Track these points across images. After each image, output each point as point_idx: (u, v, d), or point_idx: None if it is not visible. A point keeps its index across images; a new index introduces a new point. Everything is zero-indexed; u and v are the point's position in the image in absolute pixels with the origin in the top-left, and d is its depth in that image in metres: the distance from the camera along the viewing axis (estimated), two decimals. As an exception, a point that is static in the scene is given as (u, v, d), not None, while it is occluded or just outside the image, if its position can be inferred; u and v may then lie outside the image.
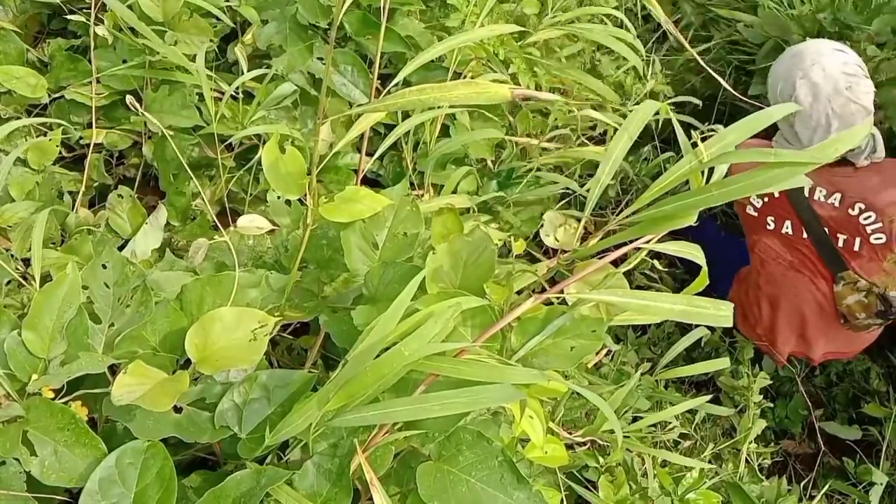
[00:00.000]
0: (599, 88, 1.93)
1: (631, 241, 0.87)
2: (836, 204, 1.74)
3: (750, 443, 1.86)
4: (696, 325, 1.87)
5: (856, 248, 1.77)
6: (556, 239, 1.59)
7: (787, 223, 1.83)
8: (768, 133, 1.78)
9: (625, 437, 1.42)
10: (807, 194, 1.76)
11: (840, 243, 1.78)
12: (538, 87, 1.87)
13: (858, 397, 2.32)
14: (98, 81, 1.56)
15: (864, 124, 1.62)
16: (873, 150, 1.72)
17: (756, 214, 1.87)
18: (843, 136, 0.77)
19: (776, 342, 2.02)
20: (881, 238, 1.73)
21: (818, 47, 1.74)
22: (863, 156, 1.70)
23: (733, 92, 1.79)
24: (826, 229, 1.78)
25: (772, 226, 1.86)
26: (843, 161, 1.72)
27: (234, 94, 1.55)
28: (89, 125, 1.57)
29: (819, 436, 2.25)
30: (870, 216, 1.71)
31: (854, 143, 0.79)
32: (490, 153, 1.82)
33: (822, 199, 1.76)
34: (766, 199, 1.83)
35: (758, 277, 1.98)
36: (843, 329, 1.94)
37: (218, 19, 1.62)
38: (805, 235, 1.82)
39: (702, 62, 1.87)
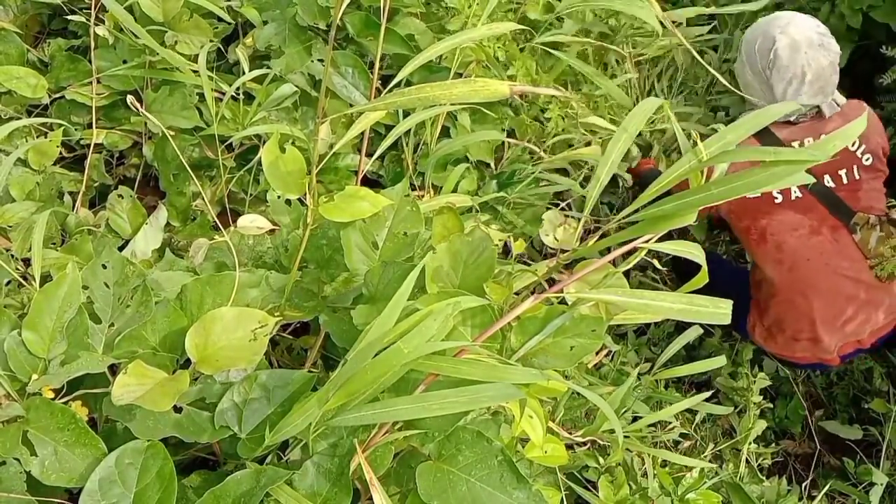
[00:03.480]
0: (608, 87, 1.92)
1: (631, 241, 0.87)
2: None
3: (750, 443, 1.86)
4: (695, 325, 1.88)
5: (855, 176, 1.91)
6: (555, 238, 1.58)
7: (793, 188, 1.89)
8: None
9: (625, 437, 1.42)
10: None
11: (844, 181, 1.91)
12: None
13: (859, 397, 2.32)
14: (98, 81, 1.56)
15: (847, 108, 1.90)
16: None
17: (760, 194, 1.84)
18: (845, 132, 0.77)
19: (822, 338, 1.95)
20: (869, 158, 1.93)
21: (790, 13, 1.95)
22: (829, 106, 1.91)
23: (718, 76, 1.81)
24: (826, 177, 1.90)
25: (779, 198, 1.91)
26: (815, 114, 1.92)
27: (234, 94, 1.55)
28: (89, 125, 1.57)
29: (819, 435, 2.25)
30: (856, 143, 1.93)
31: (849, 139, 0.79)
32: (490, 155, 1.82)
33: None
34: None
35: (781, 273, 1.94)
36: (882, 289, 1.92)
37: (219, 19, 1.62)
38: (809, 191, 1.89)
39: (690, 48, 1.89)
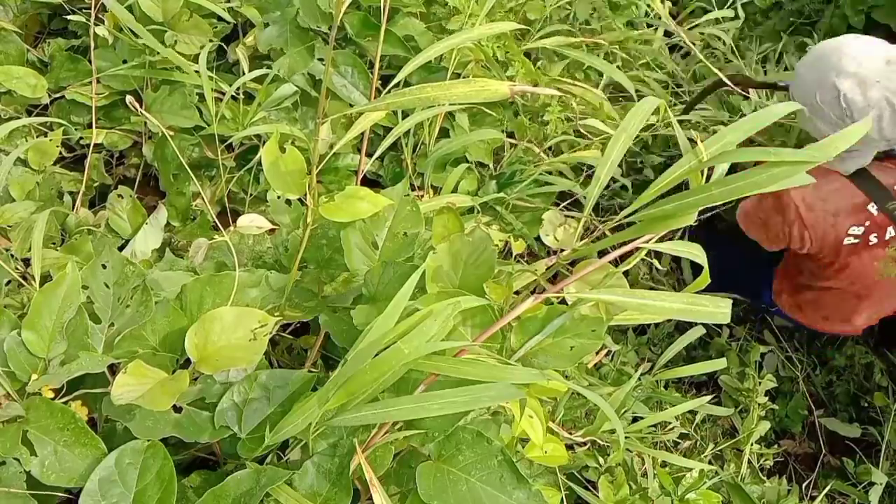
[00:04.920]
0: (606, 68, 1.91)
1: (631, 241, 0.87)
2: None
3: (752, 444, 1.86)
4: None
5: None
6: (555, 238, 1.59)
7: (889, 230, 1.76)
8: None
9: (625, 437, 1.42)
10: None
11: None
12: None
13: (859, 395, 2.32)
14: (98, 81, 1.56)
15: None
16: None
17: (858, 241, 1.77)
18: (850, 131, 0.75)
19: (855, 323, 1.94)
20: None
21: (833, 44, 1.63)
22: None
23: (731, 85, 1.76)
24: None
25: (874, 241, 1.78)
26: (890, 154, 1.69)
27: (234, 94, 1.55)
28: (89, 125, 1.57)
29: (819, 433, 2.25)
30: None
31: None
32: (488, 157, 1.82)
33: None
34: (866, 224, 1.75)
35: (840, 282, 1.88)
36: None
37: (219, 18, 1.62)
38: None
39: (698, 54, 1.87)
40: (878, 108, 1.56)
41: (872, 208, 1.71)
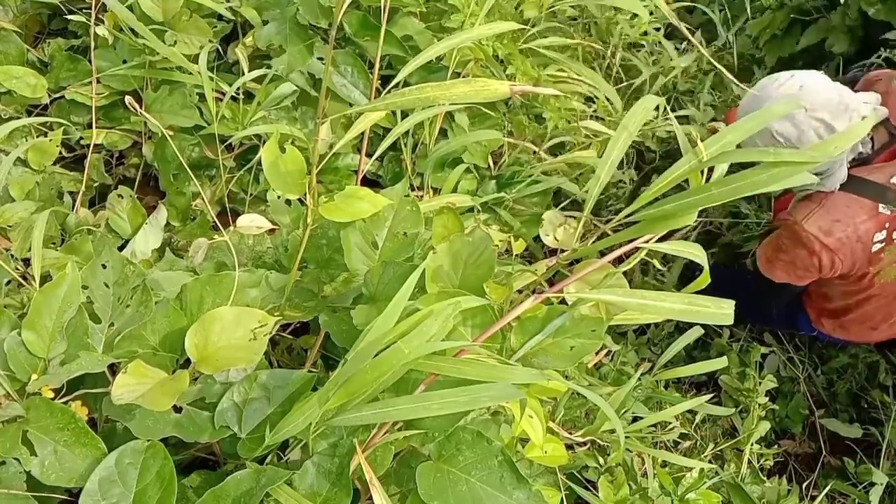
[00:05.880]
0: (596, 81, 1.92)
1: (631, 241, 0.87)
2: None
3: (752, 444, 1.86)
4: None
5: None
6: (555, 238, 1.58)
7: None
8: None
9: (625, 437, 1.42)
10: None
11: None
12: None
13: (859, 396, 2.32)
14: (98, 81, 1.56)
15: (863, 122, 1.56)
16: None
17: (884, 239, 1.79)
18: (846, 133, 0.76)
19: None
20: None
21: (753, 97, 1.72)
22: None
23: (736, 82, 1.76)
24: None
25: None
26: (886, 145, 1.72)
27: (234, 94, 1.55)
28: (89, 125, 1.57)
29: (820, 433, 2.25)
30: None
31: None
32: (484, 160, 1.81)
33: None
34: (886, 226, 1.78)
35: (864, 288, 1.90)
36: None
37: (219, 17, 1.62)
38: None
39: (707, 55, 1.87)
40: (813, 130, 1.63)
41: (885, 209, 1.73)
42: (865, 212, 1.72)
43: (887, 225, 1.76)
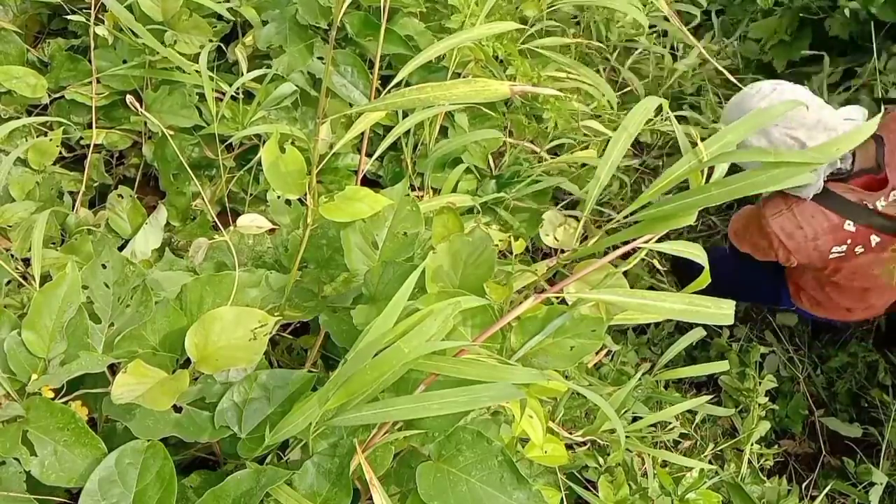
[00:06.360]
0: (595, 81, 1.92)
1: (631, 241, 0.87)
2: None
3: (752, 444, 1.86)
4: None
5: None
6: (555, 238, 1.58)
7: (873, 237, 1.83)
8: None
9: (625, 437, 1.42)
10: (872, 207, 1.80)
11: None
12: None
13: (859, 395, 2.32)
14: (98, 81, 1.56)
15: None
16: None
17: (844, 252, 1.84)
18: (846, 137, 0.77)
19: (875, 306, 2.01)
20: None
21: (730, 111, 1.78)
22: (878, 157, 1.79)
23: (740, 85, 1.77)
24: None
25: (861, 249, 1.86)
26: (869, 170, 1.78)
27: (234, 94, 1.55)
28: (89, 125, 1.57)
29: (820, 433, 2.25)
30: None
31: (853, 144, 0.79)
32: (484, 162, 1.82)
33: (884, 202, 1.80)
34: (847, 242, 1.83)
35: (844, 278, 1.95)
36: None
37: (219, 17, 1.62)
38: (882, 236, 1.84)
39: (710, 58, 1.87)
40: (785, 146, 1.67)
41: (850, 226, 1.79)
42: (830, 225, 1.78)
43: (849, 241, 1.82)
